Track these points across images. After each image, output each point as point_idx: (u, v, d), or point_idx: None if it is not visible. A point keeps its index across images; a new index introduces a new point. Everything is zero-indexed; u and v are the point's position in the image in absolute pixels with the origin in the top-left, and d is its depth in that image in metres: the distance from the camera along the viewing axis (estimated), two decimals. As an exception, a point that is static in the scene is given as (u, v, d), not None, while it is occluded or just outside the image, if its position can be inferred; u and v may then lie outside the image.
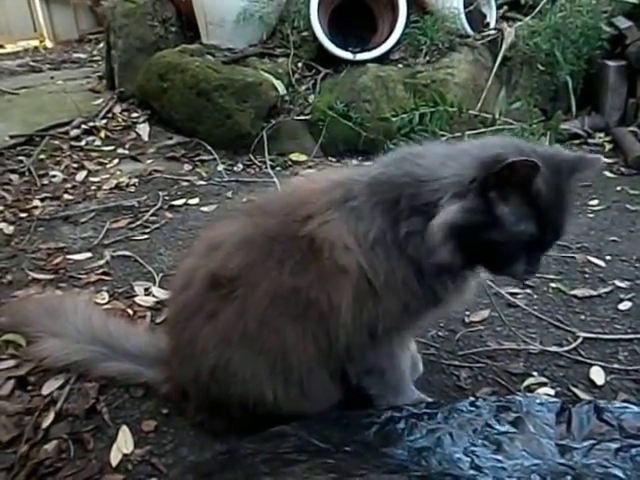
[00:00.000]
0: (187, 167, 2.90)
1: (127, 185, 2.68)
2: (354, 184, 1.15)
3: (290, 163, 2.96)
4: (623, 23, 3.24)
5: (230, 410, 1.18)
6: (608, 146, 3.09)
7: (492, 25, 3.47)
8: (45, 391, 1.37)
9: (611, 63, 3.24)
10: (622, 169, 2.80)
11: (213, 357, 1.13)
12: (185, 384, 1.24)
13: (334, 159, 3.00)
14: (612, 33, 3.22)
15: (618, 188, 2.59)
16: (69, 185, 2.68)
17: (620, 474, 0.91)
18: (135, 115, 3.40)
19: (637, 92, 3.19)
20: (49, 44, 6.47)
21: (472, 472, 0.86)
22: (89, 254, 2.05)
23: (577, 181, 1.06)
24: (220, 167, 2.86)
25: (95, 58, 5.36)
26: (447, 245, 1.00)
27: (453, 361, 1.46)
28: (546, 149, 1.09)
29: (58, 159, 2.94)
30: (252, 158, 2.97)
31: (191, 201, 2.51)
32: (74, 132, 3.21)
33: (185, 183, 2.70)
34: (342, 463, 0.78)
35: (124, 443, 1.24)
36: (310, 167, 2.91)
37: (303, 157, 2.98)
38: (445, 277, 1.08)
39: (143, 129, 3.25)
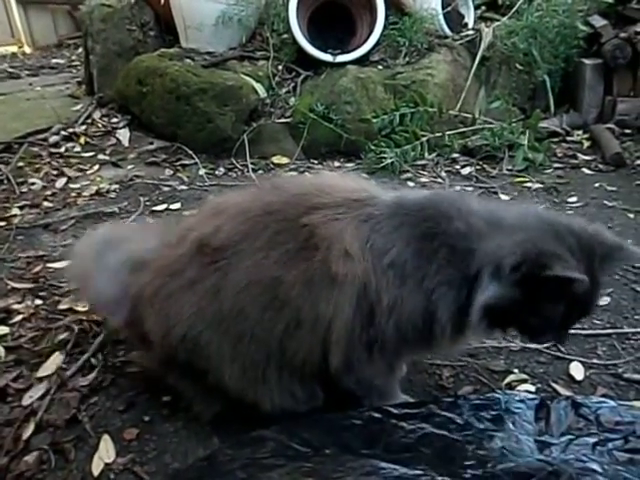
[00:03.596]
0: (168, 172, 2.88)
1: (108, 191, 2.66)
2: (381, 195, 1.13)
3: (272, 166, 2.95)
4: (598, 22, 3.29)
5: (193, 373, 1.17)
6: (586, 143, 3.13)
7: (470, 25, 3.51)
8: (25, 402, 1.35)
9: (588, 61, 3.28)
10: (600, 166, 2.84)
11: (185, 325, 1.11)
12: (152, 332, 1.20)
13: (316, 161, 3.01)
14: (588, 32, 3.27)
15: (596, 185, 2.62)
16: (49, 192, 2.64)
17: (597, 468, 0.92)
18: (115, 120, 3.38)
19: (613, 90, 3.24)
20: (27, 50, 6.40)
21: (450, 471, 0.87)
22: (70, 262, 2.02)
23: (611, 267, 1.06)
24: (201, 171, 2.85)
25: (74, 63, 5.31)
26: (483, 322, 1.03)
27: (435, 360, 1.47)
28: (584, 229, 1.05)
29: (37, 166, 2.91)
30: (234, 162, 2.96)
31: (173, 206, 2.49)
32: (53, 139, 3.17)
33: (166, 188, 2.68)
34: (319, 466, 0.79)
35: (106, 452, 1.23)
36: (292, 170, 2.91)
37: (285, 160, 2.98)
38: (450, 329, 1.07)
39: (123, 134, 3.22)
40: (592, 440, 0.98)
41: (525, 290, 0.99)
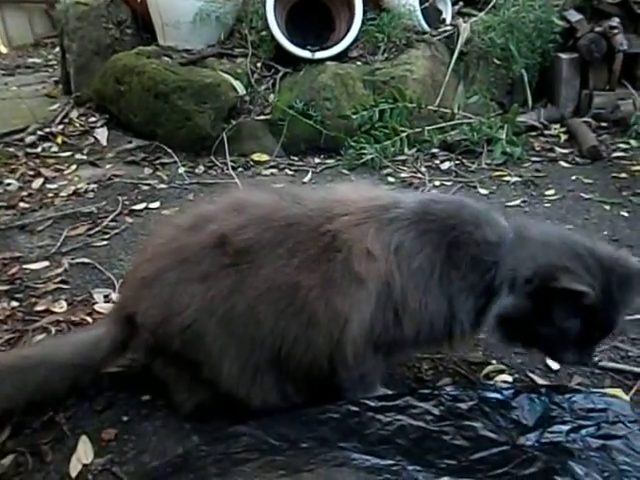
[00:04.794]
0: (147, 171, 2.85)
1: (86, 191, 2.63)
2: (404, 200, 1.15)
3: (252, 164, 2.94)
4: (574, 16, 3.33)
5: (182, 363, 1.17)
6: (564, 137, 3.16)
7: (448, 21, 3.53)
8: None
9: (564, 56, 3.32)
10: (577, 159, 2.88)
11: (190, 318, 1.10)
12: (145, 315, 1.17)
13: (296, 158, 3.00)
14: (564, 26, 3.31)
15: (573, 177, 2.66)
16: (25, 193, 2.61)
17: (571, 454, 0.93)
18: (93, 120, 3.34)
19: (589, 83, 3.28)
20: (3, 49, 6.30)
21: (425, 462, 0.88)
22: (46, 263, 2.00)
23: (633, 291, 1.08)
24: (181, 170, 2.83)
25: (51, 63, 5.24)
26: (498, 332, 1.11)
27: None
28: (607, 252, 1.10)
29: (13, 167, 2.86)
30: (213, 160, 2.94)
31: (152, 205, 2.47)
32: (29, 139, 3.12)
33: (145, 187, 2.66)
34: (292, 460, 0.79)
35: (84, 453, 1.22)
36: (272, 167, 2.90)
37: (265, 157, 2.97)
38: (468, 334, 1.14)
39: (101, 133, 3.19)
40: (566, 427, 0.99)
41: (537, 302, 1.04)
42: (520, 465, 0.87)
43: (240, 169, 2.88)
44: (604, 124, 3.20)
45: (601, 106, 3.23)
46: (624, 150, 2.90)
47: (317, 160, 2.99)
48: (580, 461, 0.91)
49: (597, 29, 3.19)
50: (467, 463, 0.89)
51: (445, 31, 3.39)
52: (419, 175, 2.75)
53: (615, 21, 3.16)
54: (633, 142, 2.78)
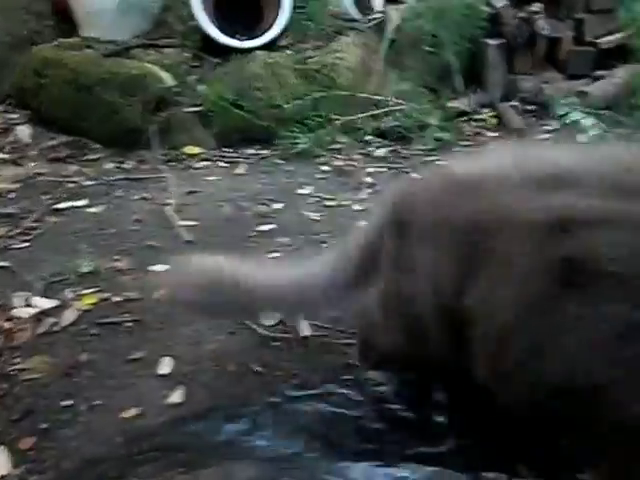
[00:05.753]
0: (73, 168, 2.74)
1: (7, 192, 2.51)
2: None
3: (184, 157, 2.87)
4: (499, 2, 3.40)
5: None
6: (494, 121, 3.23)
7: (378, 8, 3.53)
8: None
9: (491, 42, 3.38)
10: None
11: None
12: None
13: (229, 150, 2.95)
14: (490, 12, 3.37)
15: (501, 160, 2.72)
16: (-59, 196, 2.47)
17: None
18: (14, 116, 3.17)
19: (515, 68, 3.37)
20: None
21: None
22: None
23: None
24: (109, 165, 2.74)
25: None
26: None
27: (344, 340, 1.48)
28: None
29: None
30: (143, 154, 2.86)
31: (78, 203, 2.37)
32: (-56, 139, 2.96)
33: (71, 185, 2.55)
34: (194, 458, 0.77)
35: (1, 464, 1.17)
36: (205, 159, 2.85)
37: (197, 150, 2.90)
38: None
39: (23, 131, 3.03)
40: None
41: None
42: (431, 444, 0.88)
43: (172, 162, 2.80)
44: (530, 107, 3.29)
45: (527, 90, 3.33)
46: (548, 132, 3.00)
47: (251, 151, 2.94)
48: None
49: (520, 14, 3.28)
50: (382, 446, 0.90)
51: (375, 18, 3.40)
52: (354, 163, 2.76)
53: (537, 6, 3.25)
54: (554, 123, 2.88)
